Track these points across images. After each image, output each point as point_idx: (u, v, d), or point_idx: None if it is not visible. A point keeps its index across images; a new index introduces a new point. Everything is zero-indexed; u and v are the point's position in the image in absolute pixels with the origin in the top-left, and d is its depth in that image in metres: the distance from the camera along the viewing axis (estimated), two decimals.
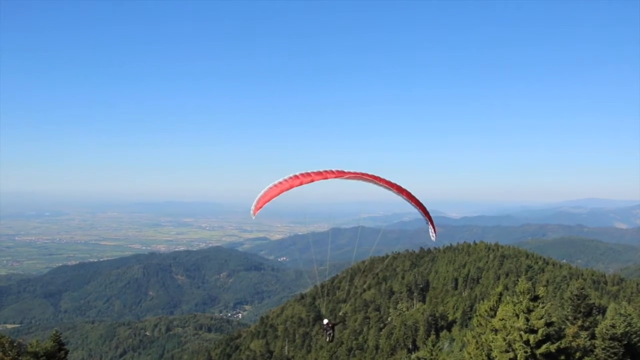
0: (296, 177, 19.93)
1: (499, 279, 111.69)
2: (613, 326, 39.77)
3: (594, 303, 51.42)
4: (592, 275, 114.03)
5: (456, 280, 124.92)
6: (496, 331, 32.92)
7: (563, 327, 41.38)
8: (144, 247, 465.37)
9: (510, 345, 30.95)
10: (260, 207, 20.48)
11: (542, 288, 34.67)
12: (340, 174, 20.17)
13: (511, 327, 31.27)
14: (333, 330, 24.95)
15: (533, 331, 30.53)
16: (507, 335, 31.25)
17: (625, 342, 40.06)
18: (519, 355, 30.20)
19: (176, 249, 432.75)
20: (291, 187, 19.82)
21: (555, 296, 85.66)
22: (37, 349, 35.46)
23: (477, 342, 36.03)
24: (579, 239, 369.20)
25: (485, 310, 39.37)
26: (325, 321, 24.82)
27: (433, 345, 49.58)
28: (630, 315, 45.03)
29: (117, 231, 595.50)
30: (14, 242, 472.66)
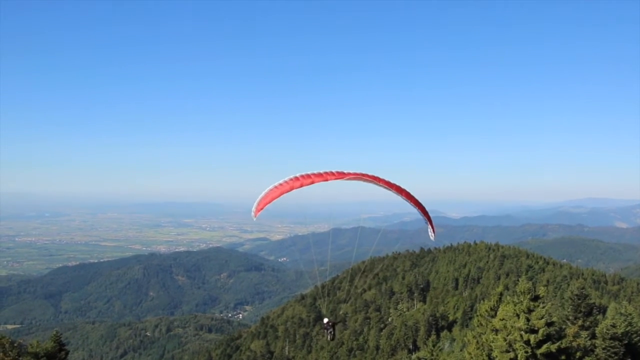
0: (296, 178, 20.06)
1: (499, 279, 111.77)
2: (614, 326, 39.79)
3: (594, 303, 51.43)
4: (593, 274, 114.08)
5: (457, 280, 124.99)
6: (497, 331, 32.94)
7: (564, 327, 41.43)
8: (144, 248, 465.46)
9: (510, 345, 30.96)
10: (262, 209, 20.68)
11: (542, 288, 34.68)
12: (340, 175, 20.26)
13: (512, 327, 31.30)
14: (334, 329, 25.26)
15: (534, 331, 30.55)
16: (507, 335, 31.27)
17: (626, 341, 40.07)
18: (519, 355, 30.22)
19: (176, 250, 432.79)
20: (292, 188, 19.97)
21: (556, 296, 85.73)
22: (38, 350, 35.50)
23: (477, 342, 36.05)
24: (580, 238, 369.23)
25: (486, 310, 39.38)
26: (326, 320, 25.15)
27: (434, 346, 49.61)
28: (630, 314, 45.04)
29: (117, 232, 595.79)
30: (14, 242, 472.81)
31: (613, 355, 38.35)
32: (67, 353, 38.58)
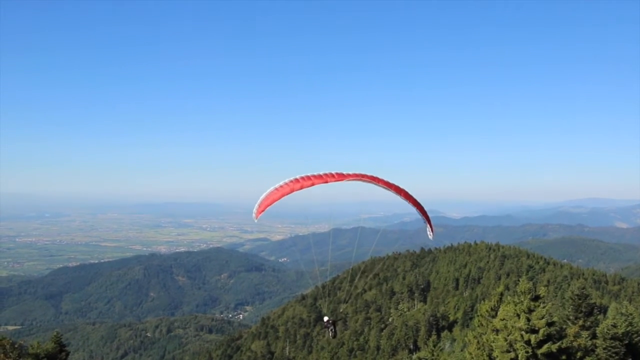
0: (297, 180, 20.15)
1: (499, 279, 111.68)
2: (614, 326, 39.78)
3: (595, 303, 51.44)
4: (593, 274, 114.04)
5: (457, 280, 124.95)
6: (497, 331, 32.94)
7: (564, 327, 41.45)
8: (144, 248, 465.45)
9: (511, 345, 30.96)
10: (262, 211, 20.88)
11: (543, 288, 34.70)
12: (340, 177, 20.34)
13: (512, 327, 31.29)
14: (334, 327, 25.70)
15: (534, 331, 30.55)
16: (508, 335, 31.27)
17: (627, 341, 40.05)
18: (520, 355, 30.21)
19: (177, 250, 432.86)
20: (292, 191, 20.09)
21: (556, 296, 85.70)
22: (38, 351, 35.56)
23: (478, 342, 36.04)
24: (580, 238, 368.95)
25: (487, 311, 39.36)
26: (326, 318, 25.67)
27: (434, 346, 49.61)
28: (631, 314, 45.03)
29: (117, 232, 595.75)
30: (15, 243, 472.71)
31: (614, 355, 38.34)
32: (67, 354, 38.64)
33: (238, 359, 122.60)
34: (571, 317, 44.80)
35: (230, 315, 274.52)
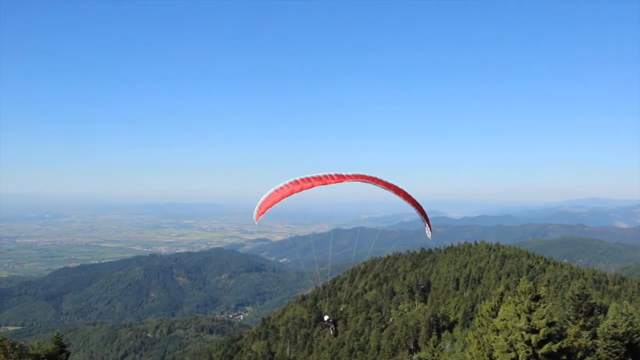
0: (297, 182, 20.24)
1: (500, 279, 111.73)
2: (615, 326, 39.78)
3: (595, 303, 51.41)
4: (594, 274, 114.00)
5: (457, 280, 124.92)
6: (498, 331, 32.95)
7: (565, 327, 41.46)
8: (145, 249, 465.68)
9: (511, 346, 30.97)
10: (263, 213, 21.01)
11: (543, 288, 34.71)
12: (340, 178, 20.44)
13: (513, 327, 31.30)
14: (335, 326, 26.08)
15: (535, 331, 30.56)
16: (508, 336, 31.27)
17: (627, 341, 40.05)
18: (520, 356, 30.22)
19: (177, 251, 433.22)
20: (292, 192, 20.21)
21: (557, 296, 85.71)
22: (39, 351, 35.59)
23: (478, 342, 36.04)
24: (580, 238, 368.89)
25: (487, 311, 39.37)
26: (326, 317, 26.19)
27: (435, 346, 49.64)
28: (631, 314, 45.04)
29: (118, 233, 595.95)
30: (15, 244, 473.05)
31: (614, 355, 38.33)
32: (68, 354, 38.68)
33: (238, 359, 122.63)
34: (571, 317, 44.80)
35: (231, 316, 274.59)
